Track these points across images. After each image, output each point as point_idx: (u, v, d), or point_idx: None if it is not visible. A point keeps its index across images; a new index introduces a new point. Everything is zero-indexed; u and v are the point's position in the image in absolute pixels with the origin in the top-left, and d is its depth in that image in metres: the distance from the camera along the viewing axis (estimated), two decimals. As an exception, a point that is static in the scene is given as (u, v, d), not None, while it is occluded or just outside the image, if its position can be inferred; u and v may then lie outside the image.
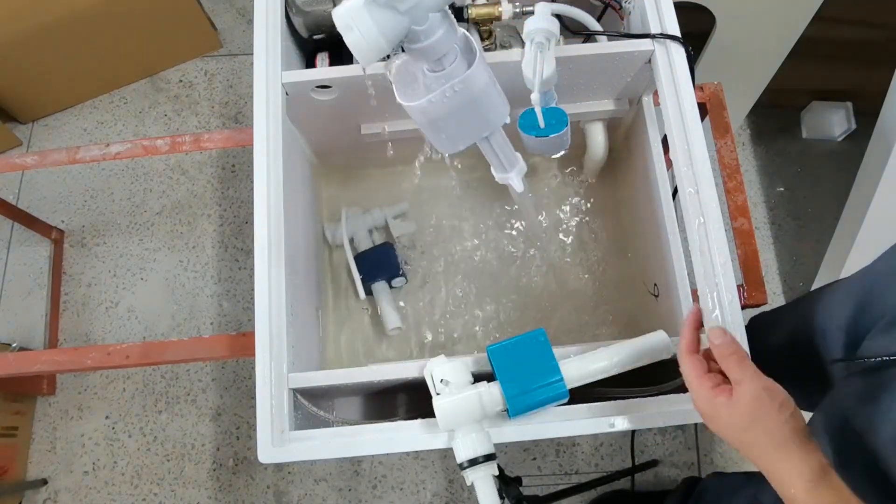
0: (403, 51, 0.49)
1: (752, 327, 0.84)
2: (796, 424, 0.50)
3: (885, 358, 0.58)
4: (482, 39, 0.89)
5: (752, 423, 0.51)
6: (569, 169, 1.08)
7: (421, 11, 0.44)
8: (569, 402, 0.62)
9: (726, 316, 0.67)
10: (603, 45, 0.81)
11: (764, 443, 0.50)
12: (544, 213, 1.07)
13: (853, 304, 0.66)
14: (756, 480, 0.81)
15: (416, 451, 1.14)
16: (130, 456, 1.19)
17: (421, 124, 0.52)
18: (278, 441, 0.65)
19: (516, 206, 1.04)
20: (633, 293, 1.01)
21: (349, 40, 0.43)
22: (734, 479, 0.91)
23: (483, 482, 0.59)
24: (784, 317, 0.86)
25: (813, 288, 1.13)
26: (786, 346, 0.79)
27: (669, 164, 0.84)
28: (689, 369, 0.56)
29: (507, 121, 0.57)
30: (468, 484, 0.59)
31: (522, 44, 0.75)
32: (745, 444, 0.52)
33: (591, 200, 1.07)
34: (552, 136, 0.76)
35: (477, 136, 0.56)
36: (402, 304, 1.03)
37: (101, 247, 1.32)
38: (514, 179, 0.64)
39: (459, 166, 1.09)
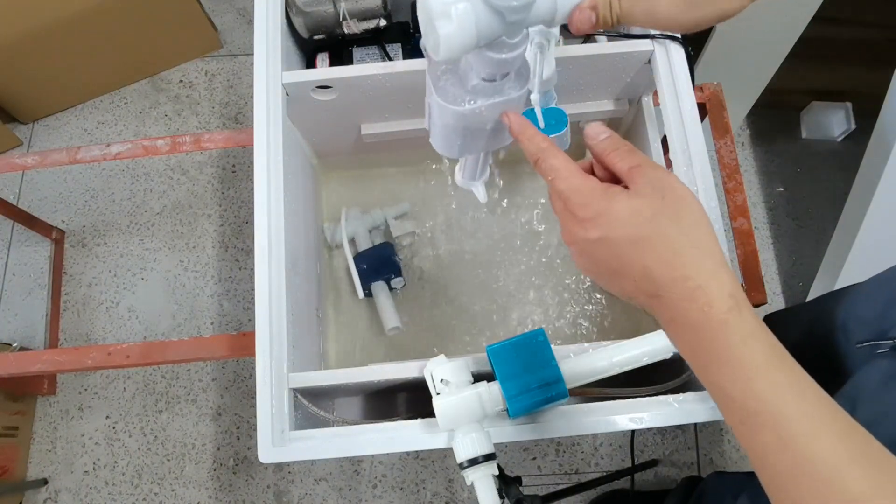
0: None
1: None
2: (711, 229, 0.39)
3: None
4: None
5: (657, 213, 0.38)
6: (569, 169, 1.08)
7: (521, 26, 0.42)
8: (569, 402, 0.62)
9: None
10: (603, 46, 0.82)
11: (672, 242, 0.37)
12: (543, 215, 1.07)
13: (884, 295, 0.63)
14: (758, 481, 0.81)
15: (416, 451, 1.15)
16: (131, 456, 1.19)
17: (443, 126, 0.50)
18: (278, 441, 0.66)
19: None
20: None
21: (442, 29, 0.38)
22: (735, 478, 0.91)
23: (483, 482, 0.59)
24: (801, 313, 0.85)
25: (812, 287, 1.13)
26: (802, 342, 0.78)
27: (669, 164, 0.84)
28: (559, 162, 0.42)
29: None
30: (468, 484, 0.59)
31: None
32: (641, 249, 0.38)
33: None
34: (552, 136, 0.76)
35: (485, 149, 0.55)
36: (401, 304, 1.03)
37: (101, 247, 1.32)
38: (479, 188, 0.63)
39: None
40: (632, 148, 0.41)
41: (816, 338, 0.74)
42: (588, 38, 0.88)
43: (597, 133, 0.43)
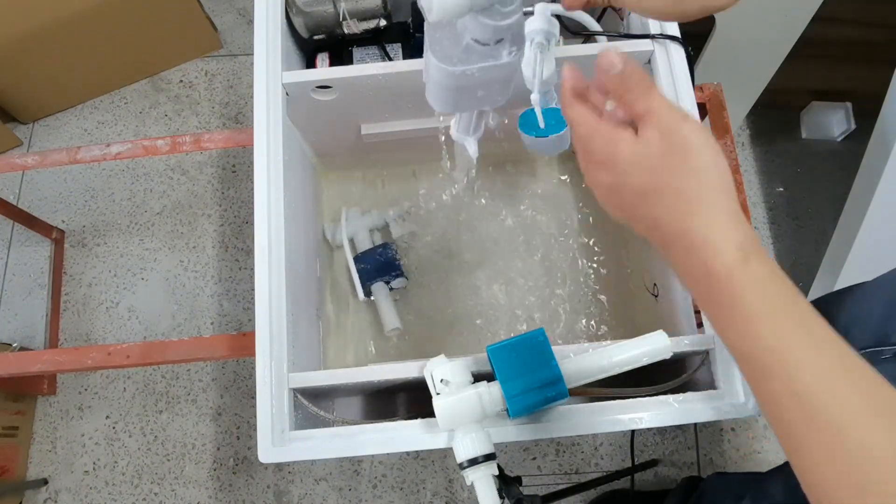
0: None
1: None
2: (725, 179, 0.37)
3: None
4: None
5: (664, 163, 0.37)
6: (569, 169, 1.08)
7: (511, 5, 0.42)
8: (569, 402, 0.62)
9: (726, 316, 0.67)
10: (603, 46, 0.82)
11: (679, 194, 0.37)
12: (543, 216, 1.07)
13: (886, 299, 0.62)
14: (758, 480, 0.81)
15: (416, 451, 1.15)
16: (131, 455, 1.19)
17: (438, 83, 0.50)
18: (278, 441, 0.66)
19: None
20: (633, 293, 1.02)
21: None
22: (735, 478, 0.91)
23: (483, 482, 0.59)
24: None
25: (812, 287, 1.13)
26: None
27: (669, 164, 0.84)
28: (579, 112, 0.42)
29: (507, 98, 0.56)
30: (468, 484, 0.59)
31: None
32: (650, 199, 0.38)
33: (592, 200, 1.07)
34: (552, 136, 0.76)
35: (478, 107, 0.55)
36: (401, 304, 1.03)
37: (101, 247, 1.32)
38: (471, 144, 0.63)
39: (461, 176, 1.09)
40: (647, 86, 0.39)
41: None
42: (588, 38, 0.88)
43: (610, 65, 0.39)
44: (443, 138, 0.68)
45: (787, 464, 0.74)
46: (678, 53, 0.77)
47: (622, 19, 0.89)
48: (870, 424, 0.31)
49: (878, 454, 0.30)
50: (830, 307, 0.73)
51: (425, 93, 0.52)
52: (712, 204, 0.36)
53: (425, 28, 0.47)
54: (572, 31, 0.85)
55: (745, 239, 0.36)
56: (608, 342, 0.64)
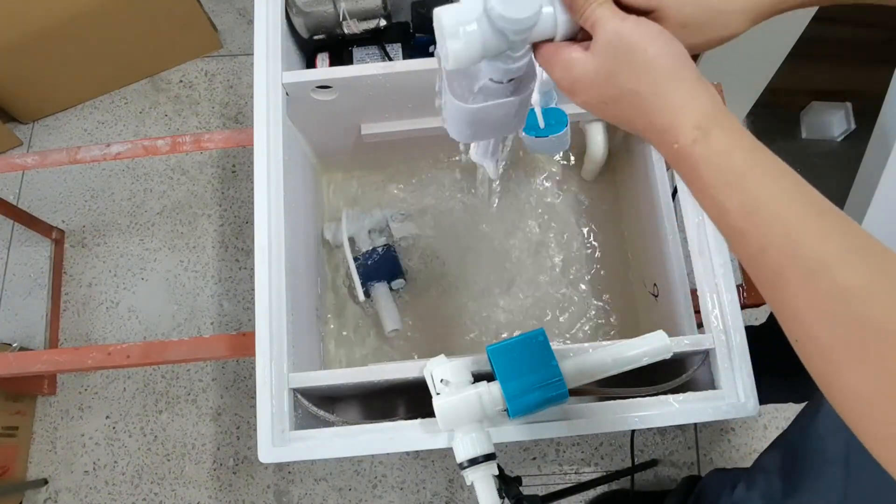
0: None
1: (767, 327, 0.83)
2: (676, 62, 0.39)
3: None
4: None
5: (615, 69, 0.40)
6: (569, 169, 1.08)
7: (524, 43, 0.45)
8: (569, 402, 0.62)
9: (726, 316, 0.67)
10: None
11: (636, 94, 0.39)
12: (544, 216, 1.07)
13: None
14: (752, 470, 0.81)
15: (416, 451, 1.15)
16: (131, 455, 1.19)
17: (456, 119, 0.53)
18: (278, 441, 0.66)
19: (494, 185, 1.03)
20: (633, 293, 1.02)
21: (450, 46, 0.43)
22: (733, 474, 0.91)
23: (483, 482, 0.59)
24: None
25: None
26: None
27: (669, 165, 0.84)
28: (550, 46, 0.44)
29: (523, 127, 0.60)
30: (468, 483, 0.59)
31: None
32: (616, 106, 0.41)
33: (591, 201, 1.07)
34: (552, 136, 0.76)
35: (496, 135, 0.58)
36: (401, 304, 1.03)
37: (101, 247, 1.32)
38: (490, 165, 0.64)
39: (459, 177, 1.09)
40: (588, 3, 0.41)
41: None
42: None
43: None
44: (462, 158, 0.70)
45: (779, 437, 0.74)
46: (678, 53, 0.76)
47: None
48: (848, 268, 0.33)
49: (856, 293, 0.32)
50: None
51: (443, 123, 0.55)
52: (668, 91, 0.39)
53: (442, 70, 0.50)
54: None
55: (703, 116, 0.38)
56: (608, 342, 0.64)
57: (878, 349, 0.31)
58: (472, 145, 0.64)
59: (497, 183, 1.00)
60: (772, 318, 0.94)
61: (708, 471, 1.13)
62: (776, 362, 0.70)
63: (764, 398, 0.69)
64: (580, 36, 0.44)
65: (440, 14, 0.43)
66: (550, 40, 0.45)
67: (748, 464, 1.13)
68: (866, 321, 0.31)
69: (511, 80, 0.48)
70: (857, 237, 0.34)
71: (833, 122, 1.34)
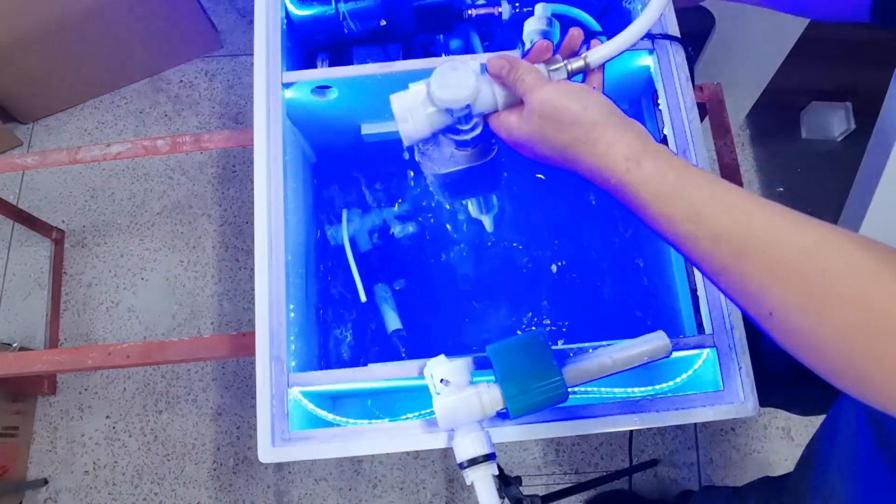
0: None
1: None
2: (598, 113, 0.45)
3: None
4: (482, 40, 0.89)
5: (546, 129, 0.46)
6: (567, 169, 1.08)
7: (469, 118, 0.51)
8: (569, 402, 0.62)
9: (726, 316, 0.67)
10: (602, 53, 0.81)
11: (569, 146, 0.45)
12: (546, 216, 1.07)
13: None
14: (744, 493, 0.81)
15: (416, 451, 1.15)
16: (131, 455, 1.19)
17: (437, 185, 0.60)
18: (278, 441, 0.66)
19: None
20: (633, 293, 1.02)
21: (401, 127, 0.50)
22: (722, 493, 0.92)
23: (483, 482, 0.59)
24: None
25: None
26: None
27: (669, 164, 0.84)
28: (491, 118, 0.51)
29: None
30: (468, 483, 0.59)
31: (522, 44, 0.75)
32: (556, 159, 0.47)
33: (590, 201, 1.07)
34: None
35: (478, 195, 0.65)
36: (401, 304, 1.03)
37: (101, 247, 1.32)
38: (486, 220, 0.69)
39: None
40: (516, 77, 0.48)
41: None
42: (588, 38, 0.88)
43: (500, 68, 0.49)
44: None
45: (775, 478, 0.74)
46: (678, 53, 0.77)
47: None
48: (798, 233, 0.37)
49: (809, 251, 0.36)
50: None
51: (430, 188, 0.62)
52: (596, 138, 0.44)
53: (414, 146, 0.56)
54: (572, 31, 0.85)
55: (631, 150, 0.43)
56: (608, 342, 0.64)
57: (848, 290, 0.34)
58: (469, 203, 0.70)
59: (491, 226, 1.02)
60: None
61: (707, 471, 1.13)
62: (776, 362, 0.70)
63: (763, 399, 0.69)
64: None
65: (392, 100, 0.50)
66: (496, 110, 0.51)
67: (748, 464, 1.14)
68: (829, 269, 0.35)
69: (475, 147, 0.54)
70: (796, 212, 0.38)
71: (833, 122, 1.34)
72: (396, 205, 1.07)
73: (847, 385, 0.35)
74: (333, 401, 0.98)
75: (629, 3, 0.85)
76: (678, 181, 0.42)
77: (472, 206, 0.70)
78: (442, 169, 0.56)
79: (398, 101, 0.50)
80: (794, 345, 0.37)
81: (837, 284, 0.35)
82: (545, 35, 0.71)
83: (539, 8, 0.73)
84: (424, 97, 0.49)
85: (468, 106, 0.49)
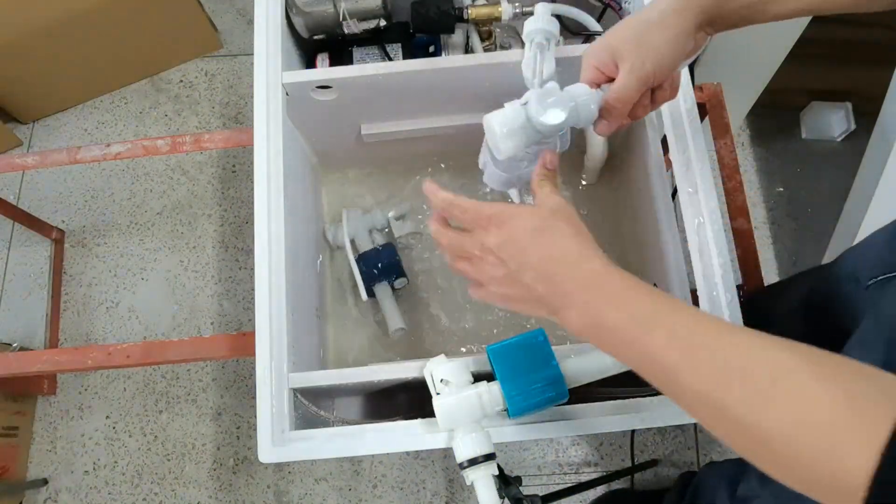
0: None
1: (755, 302, 0.83)
2: (556, 271, 0.47)
3: None
4: (482, 40, 0.89)
5: (513, 280, 0.49)
6: (568, 170, 1.08)
7: (557, 133, 0.56)
8: (569, 402, 0.62)
9: (725, 316, 0.67)
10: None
11: (534, 301, 0.48)
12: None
13: (892, 226, 0.62)
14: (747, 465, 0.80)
15: (416, 451, 1.15)
16: (131, 455, 1.19)
17: (497, 178, 0.64)
18: (278, 441, 0.66)
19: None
20: (633, 293, 1.01)
21: (502, 144, 0.54)
22: (726, 466, 0.91)
23: (483, 482, 0.59)
24: (795, 283, 0.84)
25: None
26: (797, 310, 0.77)
27: (669, 164, 0.84)
28: (446, 236, 0.54)
29: None
30: (468, 483, 0.59)
31: (522, 44, 0.75)
32: (528, 309, 0.50)
33: (591, 201, 1.07)
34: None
35: (520, 183, 0.68)
36: (401, 304, 1.03)
37: (101, 247, 1.32)
38: (514, 192, 0.72)
39: (459, 175, 1.09)
40: (469, 210, 0.52)
41: (814, 302, 0.72)
42: (588, 38, 0.88)
43: (451, 208, 0.54)
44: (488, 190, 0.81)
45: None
46: (678, 53, 0.76)
47: (622, 19, 0.89)
48: (673, 355, 0.40)
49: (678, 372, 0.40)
50: (829, 267, 0.72)
51: (483, 178, 0.66)
52: (557, 298, 0.47)
53: (488, 147, 0.61)
54: (573, 31, 0.85)
55: (585, 296, 0.46)
56: (608, 342, 0.64)
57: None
58: (494, 179, 0.70)
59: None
60: (775, 287, 0.93)
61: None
62: (786, 330, 0.69)
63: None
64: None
65: (491, 120, 0.54)
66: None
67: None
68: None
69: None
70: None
71: (833, 122, 1.34)
72: (397, 205, 1.07)
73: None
74: (333, 401, 0.98)
75: (628, 2, 0.85)
76: (629, 317, 0.44)
77: (514, 193, 0.74)
78: (506, 170, 0.61)
79: (497, 121, 0.54)
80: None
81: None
82: (546, 35, 0.71)
83: (540, 7, 0.73)
84: (525, 120, 0.54)
85: (559, 128, 0.55)
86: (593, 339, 0.46)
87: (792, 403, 0.33)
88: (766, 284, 0.88)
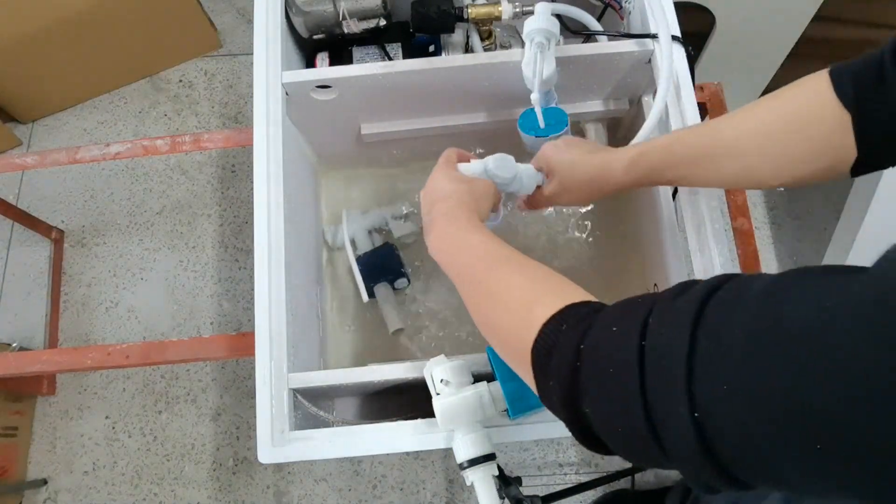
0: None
1: None
2: (445, 199, 0.63)
3: None
4: (482, 39, 0.89)
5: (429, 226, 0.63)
6: (569, 169, 1.08)
7: (509, 186, 0.68)
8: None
9: (726, 316, 0.66)
10: (603, 45, 0.82)
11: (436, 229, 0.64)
12: (546, 217, 1.07)
13: None
14: None
15: (416, 451, 1.14)
16: (130, 456, 1.19)
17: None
18: (278, 441, 0.66)
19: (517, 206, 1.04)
20: (633, 293, 1.01)
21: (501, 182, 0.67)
22: None
23: (483, 482, 0.59)
24: None
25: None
26: None
27: (669, 164, 0.84)
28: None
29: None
30: (468, 484, 0.59)
31: (522, 44, 0.75)
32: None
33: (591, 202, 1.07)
34: (552, 136, 0.76)
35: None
36: (403, 304, 1.03)
37: (101, 247, 1.32)
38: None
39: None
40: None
41: None
42: (588, 37, 0.88)
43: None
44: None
45: None
46: (679, 53, 0.76)
47: (622, 19, 0.89)
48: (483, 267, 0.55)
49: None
50: None
51: None
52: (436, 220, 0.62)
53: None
54: (573, 30, 0.85)
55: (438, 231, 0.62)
56: (608, 342, 0.64)
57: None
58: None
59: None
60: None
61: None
62: None
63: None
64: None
65: (460, 167, 0.67)
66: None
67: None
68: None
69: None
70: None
71: (833, 122, 1.33)
72: (396, 205, 1.07)
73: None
74: (333, 401, 0.98)
75: (628, 2, 0.85)
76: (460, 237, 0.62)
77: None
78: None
79: (464, 169, 0.67)
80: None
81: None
82: (546, 34, 0.71)
83: (540, 7, 0.72)
84: (482, 171, 0.67)
85: (510, 182, 0.68)
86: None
87: (509, 306, 0.49)
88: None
